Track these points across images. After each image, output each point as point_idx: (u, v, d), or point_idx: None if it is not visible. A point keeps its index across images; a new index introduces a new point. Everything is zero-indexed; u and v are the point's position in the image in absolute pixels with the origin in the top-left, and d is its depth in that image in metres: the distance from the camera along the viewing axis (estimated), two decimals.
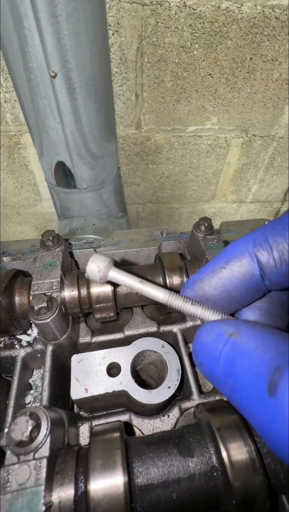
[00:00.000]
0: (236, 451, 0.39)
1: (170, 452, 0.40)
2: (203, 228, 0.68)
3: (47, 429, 0.38)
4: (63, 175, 1.29)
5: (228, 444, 0.39)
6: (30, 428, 0.37)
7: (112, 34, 1.18)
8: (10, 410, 0.57)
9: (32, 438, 0.37)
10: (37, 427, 0.37)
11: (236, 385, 0.25)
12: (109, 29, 1.17)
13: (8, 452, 0.36)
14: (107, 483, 0.36)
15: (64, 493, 0.36)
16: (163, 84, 1.34)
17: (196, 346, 0.31)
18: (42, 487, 0.34)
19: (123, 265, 0.83)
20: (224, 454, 0.39)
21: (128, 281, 0.36)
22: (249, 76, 1.36)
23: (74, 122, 1.11)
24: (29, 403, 0.65)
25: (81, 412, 0.64)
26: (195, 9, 1.14)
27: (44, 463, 0.35)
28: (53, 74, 0.99)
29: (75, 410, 0.65)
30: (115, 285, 0.64)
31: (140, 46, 1.22)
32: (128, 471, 0.37)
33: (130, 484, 0.37)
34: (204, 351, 0.29)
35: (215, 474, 0.38)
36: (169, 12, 1.15)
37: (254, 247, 0.31)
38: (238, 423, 0.41)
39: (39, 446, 0.37)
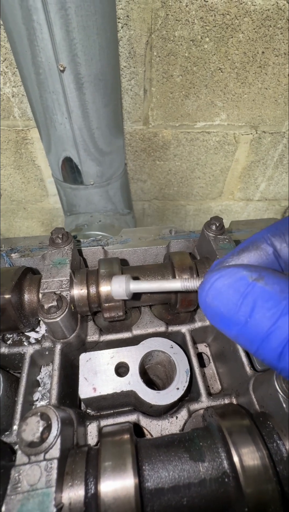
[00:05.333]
0: (248, 457, 0.38)
1: (180, 456, 0.39)
2: (214, 227, 0.67)
3: (57, 430, 0.37)
4: (70, 171, 1.28)
5: (239, 449, 0.39)
6: (41, 429, 0.36)
7: (122, 27, 1.16)
8: (19, 407, 0.57)
9: (43, 438, 0.36)
10: (48, 428, 0.37)
11: (256, 322, 0.26)
12: (119, 22, 1.14)
13: (19, 452, 0.36)
14: (117, 485, 0.36)
15: (75, 494, 0.36)
16: (172, 79, 1.31)
17: (208, 287, 0.31)
18: (53, 489, 0.33)
19: (131, 264, 0.82)
20: (236, 459, 0.38)
21: (148, 286, 0.40)
22: (261, 71, 1.32)
23: (82, 117, 1.10)
24: (37, 400, 0.65)
25: (88, 410, 0.64)
26: (207, 1, 1.11)
27: (55, 464, 0.35)
28: (61, 68, 0.97)
29: (82, 408, 0.66)
30: None
31: (150, 40, 1.20)
32: (139, 474, 0.37)
33: (140, 488, 0.36)
34: (221, 293, 0.30)
35: (226, 479, 0.37)
36: (180, 4, 1.12)
37: (268, 234, 0.35)
38: (250, 428, 0.41)
39: (50, 447, 0.36)
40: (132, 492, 0.35)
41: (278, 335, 0.25)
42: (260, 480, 0.36)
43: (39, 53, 0.96)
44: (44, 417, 0.37)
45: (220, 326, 0.30)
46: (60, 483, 0.36)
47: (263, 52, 1.27)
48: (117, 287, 0.40)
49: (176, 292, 0.64)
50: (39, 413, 0.37)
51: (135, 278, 0.65)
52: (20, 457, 0.36)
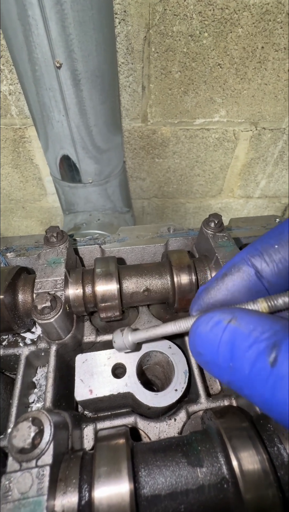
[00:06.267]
0: (248, 461, 0.37)
1: (177, 461, 0.38)
2: (212, 225, 0.66)
3: (50, 435, 0.36)
4: (68, 169, 1.26)
5: (239, 453, 0.37)
6: (32, 434, 0.35)
7: (119, 23, 1.14)
8: (14, 410, 0.56)
9: (34, 444, 0.35)
10: (40, 433, 0.36)
11: (238, 366, 0.26)
12: (116, 18, 1.13)
13: (10, 459, 0.35)
14: (112, 492, 0.35)
15: (68, 501, 0.35)
16: (170, 75, 1.29)
17: (194, 337, 0.32)
18: (45, 497, 0.32)
19: (129, 263, 0.80)
20: (235, 464, 0.37)
21: (146, 335, 0.42)
22: (260, 66, 1.30)
23: (79, 114, 1.08)
24: (33, 402, 0.64)
25: (85, 412, 0.63)
26: None
27: (47, 471, 0.34)
28: (58, 65, 0.96)
29: (79, 410, 0.64)
30: (121, 283, 0.62)
31: (148, 35, 1.18)
32: (135, 480, 0.36)
33: (136, 494, 0.35)
34: (203, 341, 0.30)
35: (225, 485, 0.36)
36: None
37: (248, 255, 0.35)
38: (249, 432, 0.39)
39: (42, 453, 0.35)
40: (127, 499, 0.34)
41: (259, 378, 0.24)
42: (260, 485, 0.35)
43: (35, 49, 0.94)
44: (36, 422, 0.36)
45: (213, 374, 0.30)
46: (53, 490, 0.35)
47: (262, 47, 1.25)
48: (119, 342, 0.44)
49: (173, 291, 0.62)
50: (30, 418, 0.36)
51: (133, 277, 0.64)
52: (11, 464, 0.35)
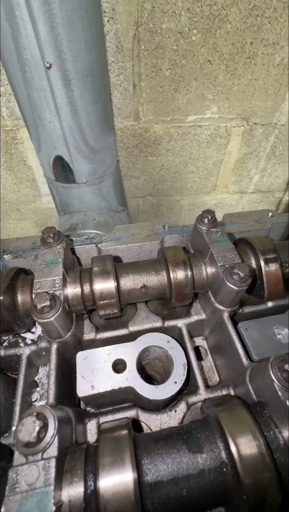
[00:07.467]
0: (245, 446, 0.38)
1: (178, 448, 0.39)
2: (206, 220, 0.67)
3: (54, 429, 0.37)
4: (61, 170, 1.26)
5: (237, 439, 0.39)
6: (37, 428, 0.36)
7: (108, 21, 1.14)
8: (17, 408, 0.57)
9: (39, 438, 0.36)
10: (44, 427, 0.37)
11: None
12: (104, 16, 1.13)
13: (16, 453, 0.36)
14: (116, 480, 0.36)
15: (74, 491, 0.36)
16: (161, 73, 1.30)
17: None
18: (52, 487, 0.33)
19: (125, 260, 0.82)
20: (233, 448, 0.38)
21: None
22: (250, 62, 1.31)
23: (71, 114, 1.08)
24: (35, 400, 0.65)
25: (88, 408, 0.64)
26: None
27: (52, 463, 0.35)
28: (48, 65, 0.96)
29: (82, 406, 0.66)
30: (118, 281, 0.64)
31: (137, 33, 1.18)
32: (138, 468, 0.37)
33: (140, 481, 0.37)
34: None
35: (224, 469, 0.37)
36: None
37: None
38: (246, 418, 0.41)
39: (47, 446, 0.36)
40: (131, 487, 0.35)
41: None
42: (257, 468, 0.37)
43: (24, 50, 0.94)
44: (40, 416, 0.37)
45: None
46: (60, 481, 0.36)
47: (251, 43, 1.26)
48: None
49: (170, 287, 0.64)
50: (35, 413, 0.37)
51: (130, 275, 0.65)
52: (18, 458, 0.36)
